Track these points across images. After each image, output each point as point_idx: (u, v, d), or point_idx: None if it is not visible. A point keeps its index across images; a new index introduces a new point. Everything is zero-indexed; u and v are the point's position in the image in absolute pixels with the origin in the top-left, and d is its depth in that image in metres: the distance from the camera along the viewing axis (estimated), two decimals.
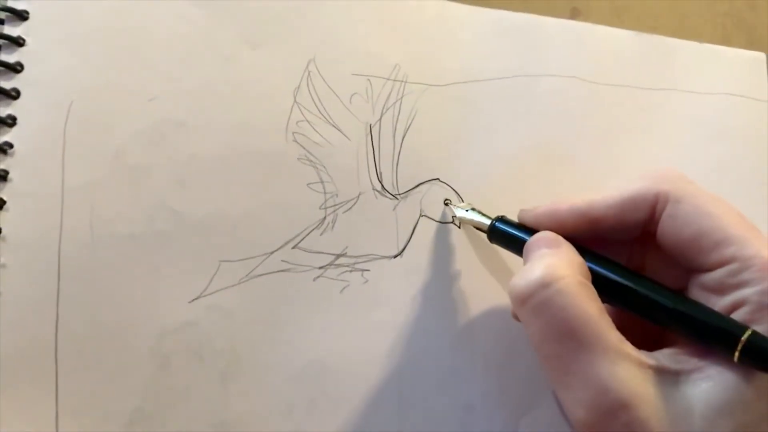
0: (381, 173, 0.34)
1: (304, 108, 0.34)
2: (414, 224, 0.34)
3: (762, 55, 0.42)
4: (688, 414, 0.23)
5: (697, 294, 0.26)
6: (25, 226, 0.30)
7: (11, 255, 0.29)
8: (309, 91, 0.34)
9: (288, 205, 0.33)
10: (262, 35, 0.34)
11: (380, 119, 0.35)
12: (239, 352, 0.31)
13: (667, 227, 0.27)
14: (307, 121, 0.34)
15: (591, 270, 0.27)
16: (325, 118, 0.34)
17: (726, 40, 0.44)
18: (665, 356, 0.25)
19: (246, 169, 0.33)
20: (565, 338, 0.24)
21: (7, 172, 0.30)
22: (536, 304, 0.25)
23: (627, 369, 0.23)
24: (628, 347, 0.24)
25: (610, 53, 0.39)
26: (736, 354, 0.23)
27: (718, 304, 0.25)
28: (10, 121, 0.30)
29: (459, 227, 0.35)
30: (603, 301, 0.25)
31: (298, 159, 0.33)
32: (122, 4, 0.32)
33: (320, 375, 0.32)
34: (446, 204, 0.35)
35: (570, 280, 0.25)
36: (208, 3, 0.33)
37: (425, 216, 0.34)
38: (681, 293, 0.27)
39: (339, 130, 0.34)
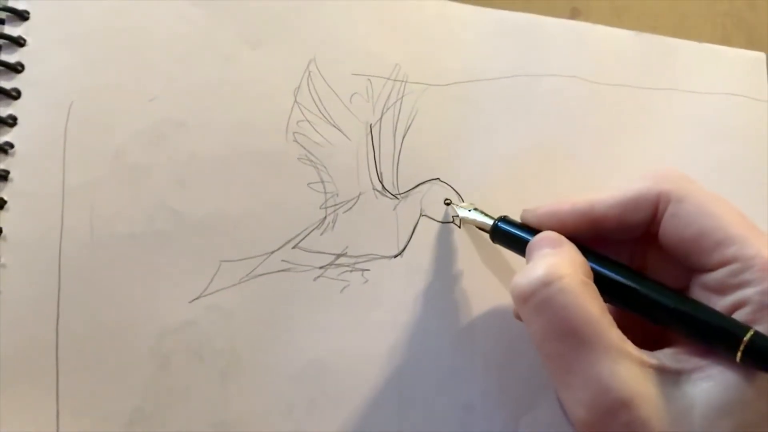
0: (381, 173, 0.34)
1: (305, 108, 0.34)
2: (414, 224, 0.34)
3: (762, 55, 0.42)
4: (689, 413, 0.23)
5: (698, 294, 0.26)
6: (25, 226, 0.30)
7: (11, 255, 0.29)
8: (309, 90, 0.34)
9: (288, 204, 0.33)
10: (262, 35, 0.34)
11: (380, 119, 0.35)
12: (239, 352, 0.31)
13: (668, 227, 0.27)
14: (308, 120, 0.34)
15: (593, 269, 0.27)
16: (325, 118, 0.34)
17: (726, 40, 0.44)
18: (666, 356, 0.25)
19: (246, 169, 0.33)
20: (567, 337, 0.24)
21: (7, 172, 0.30)
22: (538, 303, 0.25)
23: (628, 368, 0.23)
24: (630, 346, 0.24)
25: (610, 53, 0.39)
26: (739, 354, 0.23)
27: (720, 304, 0.25)
28: (10, 121, 0.30)
29: (459, 227, 0.35)
30: (605, 301, 0.25)
31: (299, 159, 0.33)
32: (122, 4, 0.32)
33: (320, 375, 0.32)
34: (448, 204, 0.35)
35: (572, 279, 0.25)
36: (208, 3, 0.33)
37: (425, 216, 0.34)
38: (682, 293, 0.27)
39: (339, 130, 0.34)
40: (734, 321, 0.24)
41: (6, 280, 0.29)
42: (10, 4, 0.31)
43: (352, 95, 0.35)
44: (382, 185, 0.34)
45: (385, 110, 0.35)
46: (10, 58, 0.31)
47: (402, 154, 0.35)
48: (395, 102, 0.35)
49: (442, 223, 0.35)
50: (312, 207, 0.33)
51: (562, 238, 0.28)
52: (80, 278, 0.30)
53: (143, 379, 0.30)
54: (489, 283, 0.34)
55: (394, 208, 0.34)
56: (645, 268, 0.29)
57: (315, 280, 0.33)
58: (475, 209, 0.33)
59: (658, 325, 0.27)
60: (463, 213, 0.34)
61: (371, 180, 0.34)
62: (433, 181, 0.35)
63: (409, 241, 0.34)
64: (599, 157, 0.38)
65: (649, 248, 0.29)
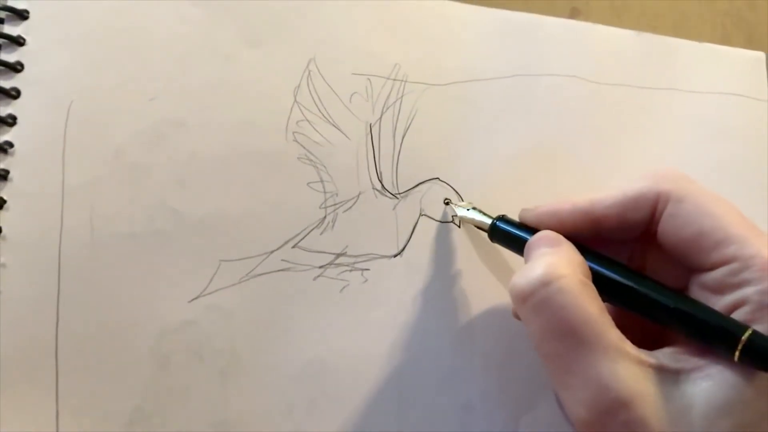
0: (381, 172, 0.34)
1: (304, 107, 0.34)
2: (414, 223, 0.34)
3: (762, 55, 0.42)
4: (688, 413, 0.23)
5: (697, 293, 0.26)
6: (25, 226, 0.30)
7: (11, 255, 0.29)
8: (309, 90, 0.34)
9: (288, 204, 0.33)
10: (262, 35, 0.34)
11: (380, 118, 0.35)
12: (239, 351, 0.31)
13: (668, 227, 0.27)
14: (307, 120, 0.34)
15: (592, 269, 0.27)
16: (325, 117, 0.34)
17: (726, 40, 0.44)
18: (665, 355, 0.25)
19: (246, 169, 0.33)
20: (566, 337, 0.24)
21: (7, 172, 0.30)
22: (537, 303, 0.25)
23: (627, 368, 0.23)
24: (629, 346, 0.24)
25: (610, 53, 0.39)
26: (737, 353, 0.23)
27: (719, 303, 0.25)
28: (10, 121, 0.30)
29: (459, 226, 0.35)
30: (604, 300, 0.25)
31: (298, 158, 0.33)
32: (122, 4, 0.32)
33: (320, 374, 0.32)
34: (447, 203, 0.35)
35: (570, 279, 0.25)
36: (207, 3, 0.33)
37: (425, 215, 0.34)
38: (681, 293, 0.27)
39: (339, 130, 0.34)
40: (733, 320, 0.24)
41: (6, 280, 0.29)
42: (10, 3, 0.31)
43: (352, 95, 0.35)
44: (382, 185, 0.34)
45: (384, 110, 0.35)
46: (10, 57, 0.31)
47: (402, 154, 0.35)
48: (395, 102, 0.35)
49: (442, 222, 0.35)
50: (312, 206, 0.33)
51: (561, 237, 0.28)
52: (80, 278, 0.30)
53: (143, 379, 0.30)
54: (488, 283, 0.34)
55: (394, 208, 0.34)
56: (644, 268, 0.29)
57: (315, 279, 0.33)
58: (474, 208, 0.33)
59: (657, 325, 0.27)
60: (461, 212, 0.34)
61: (371, 179, 0.34)
62: (433, 180, 0.35)
63: (408, 241, 0.34)
64: (599, 157, 0.38)
65: (649, 248, 0.29)
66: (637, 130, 0.39)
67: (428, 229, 0.34)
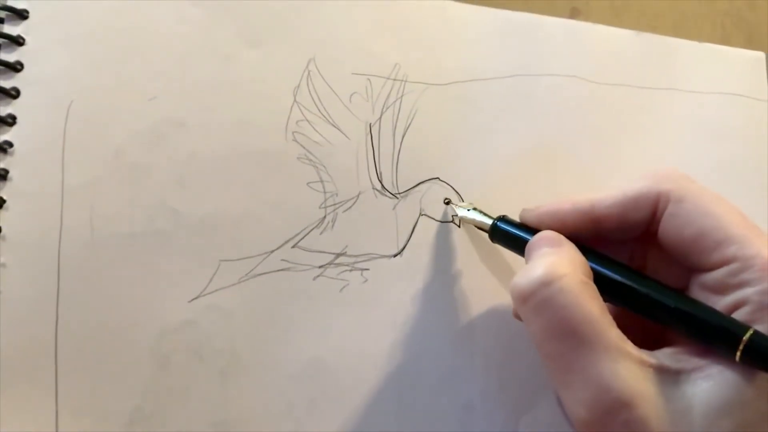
0: (381, 172, 0.34)
1: (304, 107, 0.34)
2: (414, 223, 0.34)
3: (762, 55, 0.42)
4: (689, 413, 0.23)
5: (698, 293, 0.26)
6: (25, 226, 0.30)
7: (11, 254, 0.29)
8: (309, 90, 0.34)
9: (288, 204, 0.33)
10: (262, 35, 0.34)
11: (380, 118, 0.35)
12: (239, 351, 0.31)
13: (668, 227, 0.27)
14: (307, 120, 0.34)
15: (593, 269, 0.27)
16: (324, 117, 0.34)
17: (726, 40, 0.44)
18: (666, 355, 0.25)
19: (246, 169, 0.33)
20: (567, 337, 0.24)
21: (7, 171, 0.30)
22: (538, 303, 0.25)
23: (628, 368, 0.23)
24: (629, 346, 0.24)
25: (610, 53, 0.39)
26: (738, 353, 0.23)
27: (719, 303, 0.25)
28: (10, 120, 0.30)
29: (459, 226, 0.35)
30: (605, 300, 0.25)
31: (298, 158, 0.33)
32: (122, 4, 0.32)
33: (320, 374, 0.32)
34: (447, 203, 0.35)
35: (571, 279, 0.25)
36: (207, 3, 0.33)
37: (425, 215, 0.34)
38: (682, 293, 0.27)
39: (339, 130, 0.34)
40: (734, 320, 0.24)
41: (5, 280, 0.29)
42: (10, 3, 0.31)
43: (352, 95, 0.35)
44: (382, 185, 0.34)
45: (384, 110, 0.35)
46: (10, 57, 0.31)
47: (401, 154, 0.35)
48: (395, 101, 0.35)
49: (442, 222, 0.35)
50: (311, 206, 0.33)
51: (562, 237, 0.28)
52: (80, 278, 0.30)
53: (143, 379, 0.30)
54: (488, 283, 0.34)
55: (394, 208, 0.34)
56: (645, 268, 0.29)
57: (314, 279, 0.33)
58: (475, 209, 0.33)
59: (658, 325, 0.27)
60: (462, 212, 0.34)
61: (371, 179, 0.34)
62: (433, 180, 0.35)
63: (408, 241, 0.34)
64: (599, 157, 0.38)
65: (649, 248, 0.29)
66: (637, 130, 0.39)
67: (428, 229, 0.34)
